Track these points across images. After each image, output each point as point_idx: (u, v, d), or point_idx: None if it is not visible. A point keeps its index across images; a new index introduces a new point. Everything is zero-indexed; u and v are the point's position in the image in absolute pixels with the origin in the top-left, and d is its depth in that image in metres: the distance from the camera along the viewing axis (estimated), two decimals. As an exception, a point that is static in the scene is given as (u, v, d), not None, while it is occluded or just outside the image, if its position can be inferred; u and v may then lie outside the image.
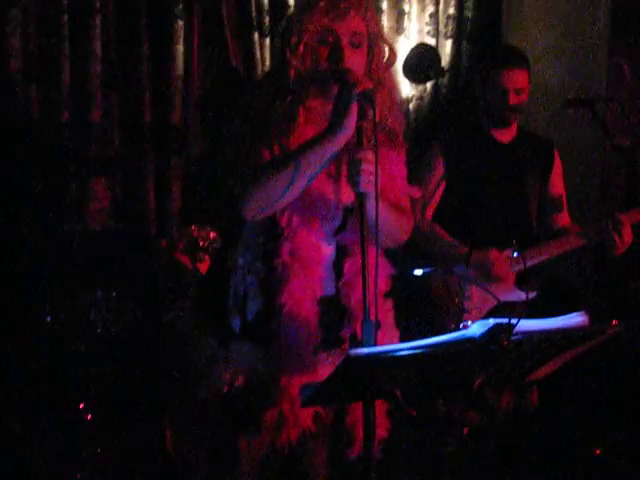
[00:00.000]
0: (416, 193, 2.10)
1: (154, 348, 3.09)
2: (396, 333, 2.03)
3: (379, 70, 1.94)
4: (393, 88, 2.01)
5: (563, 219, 3.10)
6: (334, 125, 1.76)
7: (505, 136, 3.02)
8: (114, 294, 3.07)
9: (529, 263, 2.85)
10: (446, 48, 4.17)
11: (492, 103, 2.96)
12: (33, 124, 3.29)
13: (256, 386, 1.92)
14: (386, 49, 1.97)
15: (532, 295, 2.90)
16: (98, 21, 3.37)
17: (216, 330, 1.98)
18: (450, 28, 4.17)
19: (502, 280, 2.82)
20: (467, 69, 4.15)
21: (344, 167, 1.85)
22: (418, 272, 2.42)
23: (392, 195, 1.96)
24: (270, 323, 1.90)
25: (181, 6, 3.50)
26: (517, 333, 1.46)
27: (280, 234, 1.90)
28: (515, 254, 2.74)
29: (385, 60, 1.97)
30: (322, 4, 1.87)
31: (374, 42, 1.93)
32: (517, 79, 2.92)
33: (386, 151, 1.96)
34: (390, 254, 2.01)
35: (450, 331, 1.47)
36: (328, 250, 1.96)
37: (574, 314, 1.56)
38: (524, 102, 2.98)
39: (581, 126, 3.37)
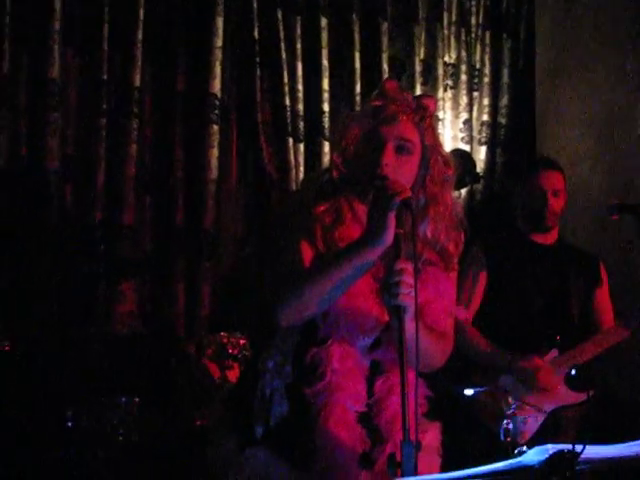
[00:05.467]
0: (462, 314, 2.00)
1: (177, 456, 2.97)
2: (437, 459, 1.89)
3: (434, 184, 1.85)
4: (449, 205, 1.88)
5: (606, 323, 3.03)
6: (370, 235, 1.68)
7: (546, 239, 3.02)
8: (137, 400, 2.97)
9: (578, 360, 2.79)
10: (480, 154, 4.18)
11: (531, 207, 2.98)
12: (66, 223, 3.28)
13: None
14: (442, 163, 1.87)
15: (585, 396, 2.79)
16: (135, 125, 3.41)
17: (238, 434, 1.87)
18: (484, 134, 4.19)
19: (547, 389, 2.73)
20: (501, 175, 4.14)
21: None
22: (469, 392, 2.29)
23: (431, 316, 1.85)
24: (295, 432, 1.80)
25: (217, 111, 3.54)
26: (581, 461, 1.32)
27: (322, 341, 1.81)
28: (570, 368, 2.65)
29: (441, 175, 1.87)
30: (372, 107, 1.84)
31: (429, 154, 1.85)
32: (554, 180, 2.98)
33: (434, 269, 1.86)
34: (425, 375, 1.89)
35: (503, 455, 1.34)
36: (364, 366, 1.86)
37: (645, 440, 1.42)
38: (562, 206, 3.01)
39: (623, 229, 3.34)
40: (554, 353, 2.84)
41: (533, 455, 1.34)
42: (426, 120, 1.86)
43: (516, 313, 2.89)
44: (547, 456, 1.30)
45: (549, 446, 1.34)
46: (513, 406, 2.61)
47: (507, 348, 2.81)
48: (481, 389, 2.51)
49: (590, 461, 1.31)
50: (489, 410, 2.71)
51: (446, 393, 2.03)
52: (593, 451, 1.32)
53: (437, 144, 1.88)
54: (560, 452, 1.29)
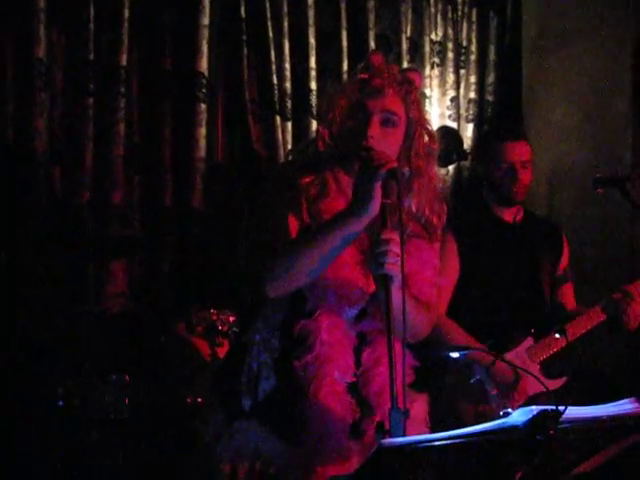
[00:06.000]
0: (444, 283, 2.02)
1: (168, 433, 2.99)
2: (425, 431, 1.91)
3: (418, 158, 1.86)
4: (433, 178, 1.90)
5: (570, 303, 2.97)
6: (357, 205, 1.69)
7: (514, 216, 2.87)
8: (128, 378, 2.99)
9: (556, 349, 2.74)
10: (467, 131, 4.19)
11: (499, 180, 2.79)
12: (55, 204, 3.28)
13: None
14: (426, 137, 1.88)
15: (561, 383, 2.75)
16: (122, 104, 3.40)
17: (227, 408, 1.89)
18: (471, 112, 4.20)
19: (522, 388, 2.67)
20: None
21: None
22: (454, 355, 2.31)
23: (416, 286, 1.87)
24: (284, 404, 1.81)
25: (204, 90, 3.54)
26: (563, 421, 1.34)
27: (310, 313, 1.82)
28: (557, 335, 2.63)
29: (425, 148, 1.88)
30: (358, 80, 1.85)
31: (414, 128, 1.86)
32: (521, 152, 2.79)
33: (418, 240, 1.88)
34: (412, 345, 1.91)
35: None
36: (351, 337, 1.88)
37: (624, 401, 1.45)
38: (531, 178, 2.83)
39: (607, 204, 3.34)
40: (529, 342, 2.76)
41: (518, 416, 1.36)
42: (412, 94, 1.86)
43: (490, 296, 2.77)
44: (531, 416, 1.33)
45: (533, 407, 1.37)
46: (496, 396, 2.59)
47: (482, 332, 2.69)
48: (467, 352, 2.50)
49: (572, 420, 1.34)
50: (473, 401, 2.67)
51: (433, 364, 2.01)
52: (574, 411, 1.34)
53: (422, 118, 1.88)
54: (544, 411, 1.32)
